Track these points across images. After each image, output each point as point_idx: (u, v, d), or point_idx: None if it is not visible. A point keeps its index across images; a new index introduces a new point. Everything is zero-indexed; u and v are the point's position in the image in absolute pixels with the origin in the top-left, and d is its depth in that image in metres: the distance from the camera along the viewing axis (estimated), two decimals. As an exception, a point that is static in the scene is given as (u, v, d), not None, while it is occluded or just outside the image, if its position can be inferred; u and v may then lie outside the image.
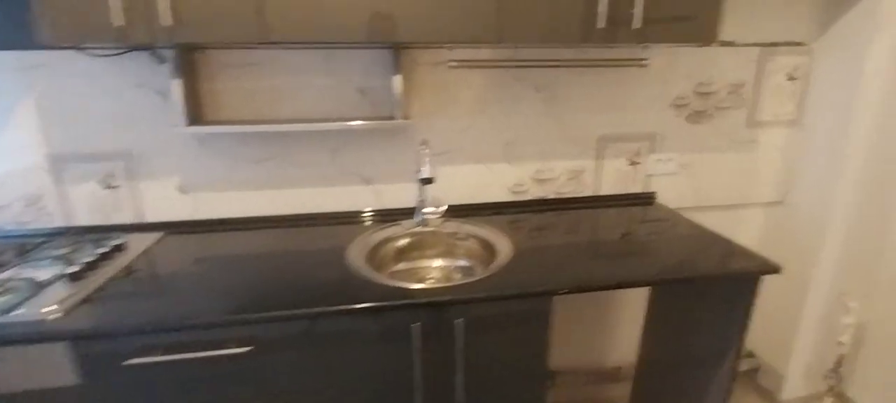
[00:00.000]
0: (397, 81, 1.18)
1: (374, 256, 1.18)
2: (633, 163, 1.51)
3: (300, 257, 1.15)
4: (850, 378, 1.74)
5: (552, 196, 1.50)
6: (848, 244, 1.52)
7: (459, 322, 0.98)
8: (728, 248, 1.17)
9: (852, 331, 1.56)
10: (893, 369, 1.56)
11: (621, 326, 1.75)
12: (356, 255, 1.13)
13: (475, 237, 1.27)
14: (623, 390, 1.78)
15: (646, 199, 1.54)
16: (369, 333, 0.97)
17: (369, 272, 1.06)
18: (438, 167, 1.40)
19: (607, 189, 1.52)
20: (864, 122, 1.40)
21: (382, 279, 1.03)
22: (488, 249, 1.21)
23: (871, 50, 1.33)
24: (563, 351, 1.74)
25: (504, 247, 1.18)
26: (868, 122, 1.40)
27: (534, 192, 1.49)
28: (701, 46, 1.40)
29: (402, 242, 1.27)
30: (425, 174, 1.11)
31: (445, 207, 1.35)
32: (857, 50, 1.36)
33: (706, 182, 1.57)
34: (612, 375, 1.78)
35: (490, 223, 1.35)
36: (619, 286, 1.03)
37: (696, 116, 1.50)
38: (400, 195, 1.40)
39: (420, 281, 1.24)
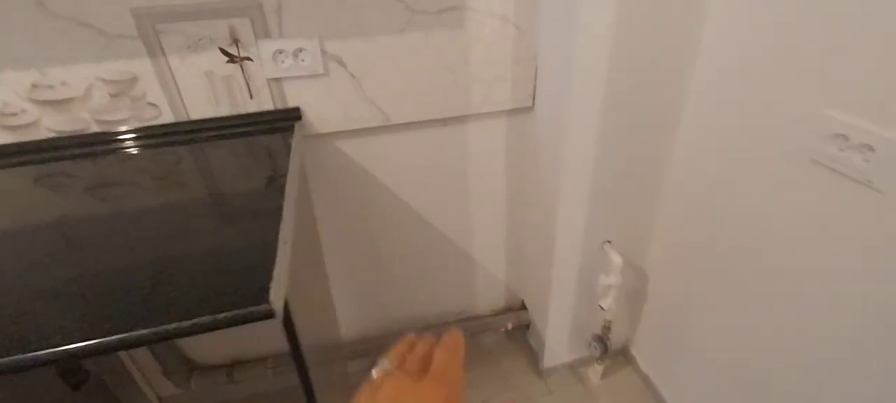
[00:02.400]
0: None
1: None
2: (233, 60, 0.85)
3: None
4: (633, 339, 1.34)
5: (94, 128, 0.85)
6: (607, 169, 0.98)
7: None
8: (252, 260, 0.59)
9: (615, 293, 1.10)
10: (681, 332, 1.14)
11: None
12: None
13: None
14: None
15: (280, 122, 0.91)
16: None
17: None
18: None
19: (202, 108, 0.88)
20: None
21: None
22: None
23: None
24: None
25: None
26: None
27: (50, 123, 0.83)
28: None
29: None
30: None
31: None
32: None
33: (390, 84, 0.93)
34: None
35: None
36: None
37: (334, -36, 0.82)
38: None
39: None
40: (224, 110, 0.88)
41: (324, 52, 0.87)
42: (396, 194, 1.11)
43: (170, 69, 0.82)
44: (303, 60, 0.86)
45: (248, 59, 0.85)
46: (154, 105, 0.85)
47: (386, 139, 1.02)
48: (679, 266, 1.06)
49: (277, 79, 0.88)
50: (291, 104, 0.91)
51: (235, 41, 0.83)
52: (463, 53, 0.95)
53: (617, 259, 1.05)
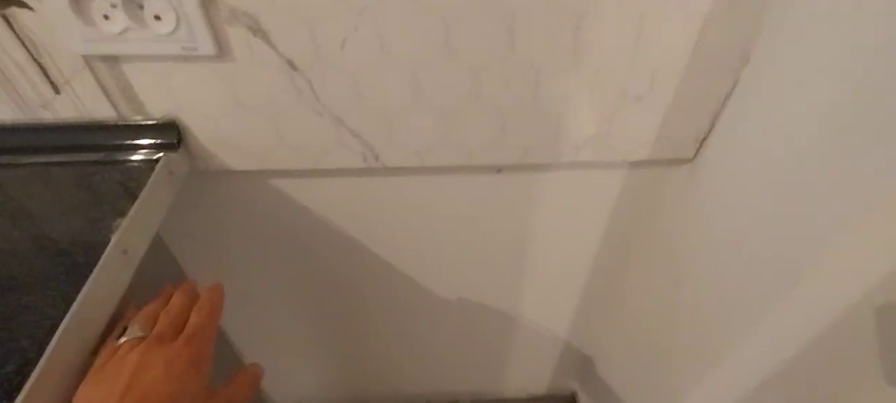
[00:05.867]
0: None
1: None
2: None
3: None
4: None
5: None
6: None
7: None
8: None
9: None
10: None
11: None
12: None
13: None
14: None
15: (141, 148, 0.42)
16: None
17: None
18: None
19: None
20: None
21: None
22: None
23: None
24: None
25: None
26: None
27: None
28: None
29: None
30: None
31: None
32: None
33: (382, 89, 0.39)
34: None
35: None
36: None
37: None
38: None
39: None
40: (8, 113, 0.40)
41: (210, 4, 0.34)
42: (380, 254, 0.62)
43: None
44: (159, 20, 0.35)
45: (22, 3, 0.34)
46: None
47: (377, 183, 0.51)
48: None
49: (109, 60, 0.37)
50: (158, 113, 0.41)
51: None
52: (562, 29, 0.38)
53: None
